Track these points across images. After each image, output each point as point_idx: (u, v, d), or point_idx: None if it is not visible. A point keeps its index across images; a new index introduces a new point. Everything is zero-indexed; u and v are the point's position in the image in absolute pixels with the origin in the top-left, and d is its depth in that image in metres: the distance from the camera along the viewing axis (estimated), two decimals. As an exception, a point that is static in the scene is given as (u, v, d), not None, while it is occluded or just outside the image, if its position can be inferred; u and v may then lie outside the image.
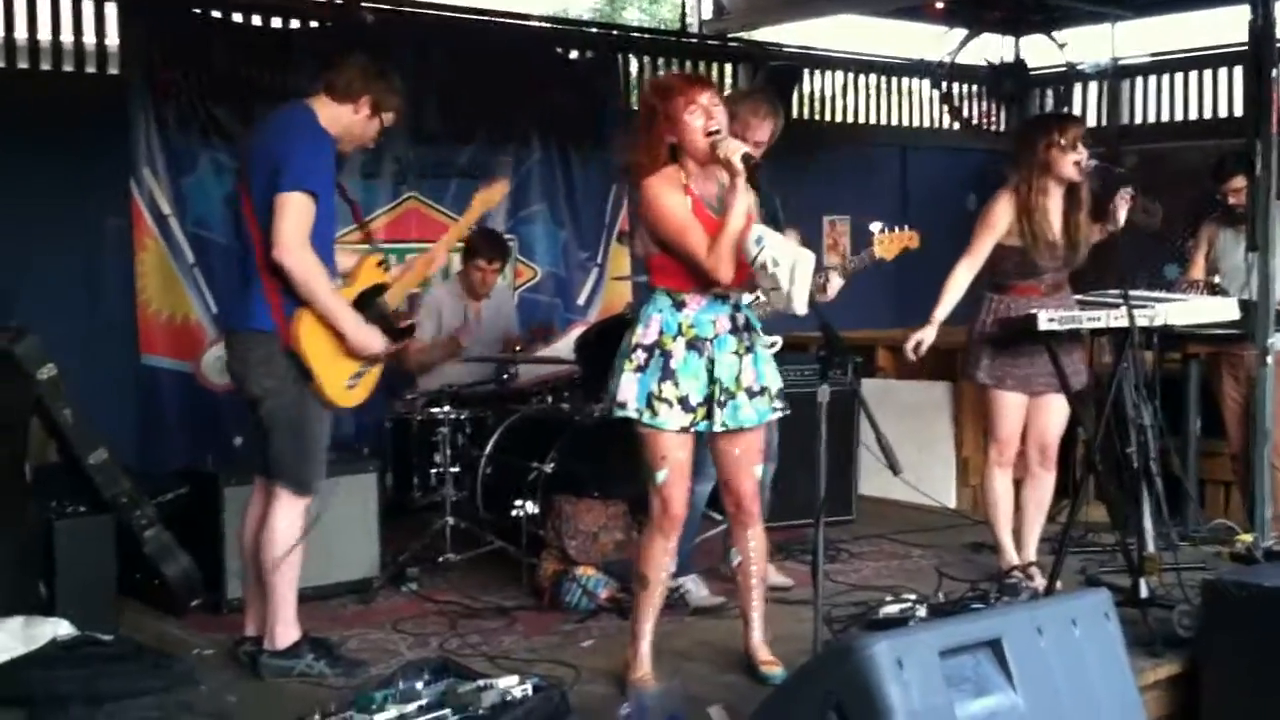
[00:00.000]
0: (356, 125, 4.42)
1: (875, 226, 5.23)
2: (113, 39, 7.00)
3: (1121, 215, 5.15)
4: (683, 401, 4.07)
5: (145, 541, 5.05)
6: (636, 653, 4.26)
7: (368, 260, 4.53)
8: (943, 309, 5.35)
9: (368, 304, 4.42)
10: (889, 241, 5.22)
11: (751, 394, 4.17)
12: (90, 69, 7.04)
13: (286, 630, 4.39)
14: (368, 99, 4.38)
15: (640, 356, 4.11)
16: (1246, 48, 5.80)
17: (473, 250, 6.93)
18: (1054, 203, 5.22)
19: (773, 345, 4.27)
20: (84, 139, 6.77)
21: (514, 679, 3.86)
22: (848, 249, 9.98)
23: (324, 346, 4.25)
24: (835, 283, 5.26)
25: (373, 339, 4.35)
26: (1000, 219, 5.25)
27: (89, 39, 6.99)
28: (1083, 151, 5.11)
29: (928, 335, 5.33)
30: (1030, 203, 5.17)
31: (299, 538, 4.36)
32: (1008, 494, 5.44)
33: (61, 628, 4.36)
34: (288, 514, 4.34)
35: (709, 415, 4.11)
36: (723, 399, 4.11)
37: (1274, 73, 5.69)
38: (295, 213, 4.15)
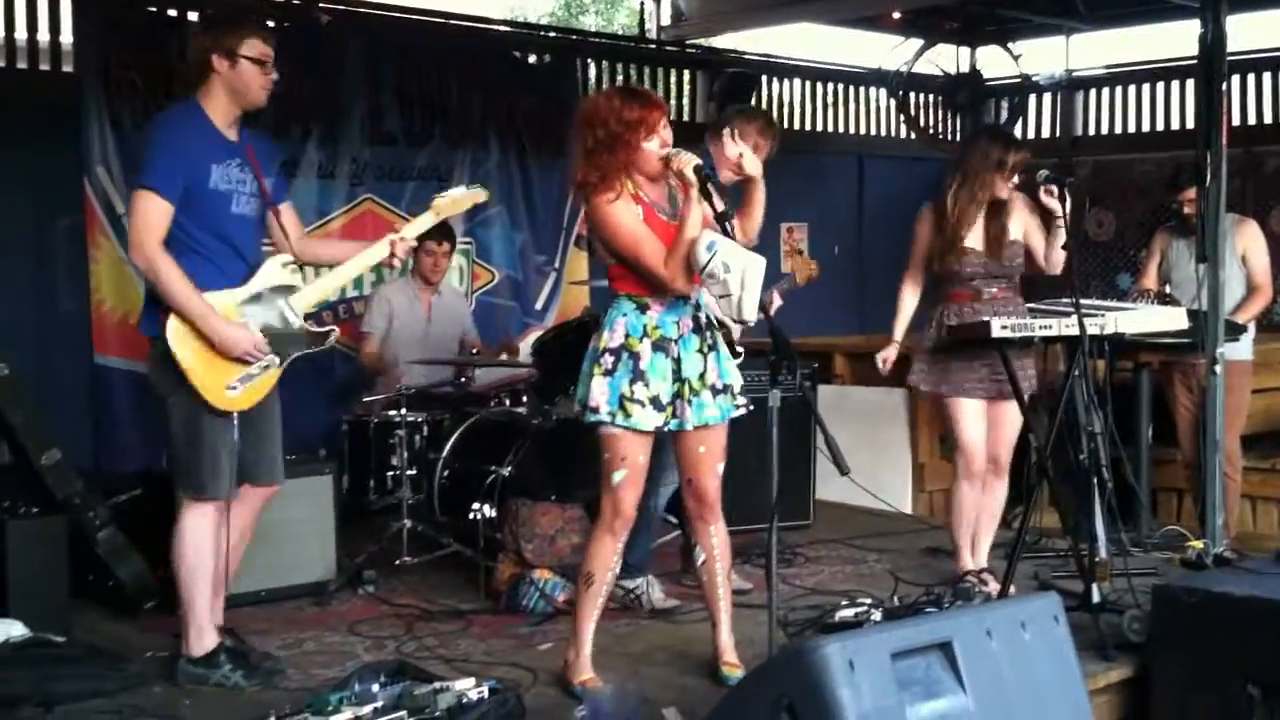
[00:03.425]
0: (232, 82, 4.27)
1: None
2: (67, 36, 6.95)
3: (1049, 202, 5.12)
4: (654, 401, 4.12)
5: (98, 543, 5.02)
6: (579, 654, 4.27)
7: (272, 262, 4.41)
8: (900, 325, 5.55)
9: (265, 306, 4.32)
10: (803, 266, 5.89)
11: (715, 391, 4.23)
12: (44, 66, 6.99)
13: (201, 637, 4.33)
14: (216, 56, 4.25)
15: (608, 360, 4.14)
16: (1197, 61, 5.86)
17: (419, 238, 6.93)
18: (980, 212, 5.30)
19: (738, 357, 4.33)
20: (37, 136, 6.71)
21: (470, 682, 3.86)
22: (806, 254, 10.05)
23: (197, 349, 4.17)
24: (776, 302, 5.48)
25: (238, 338, 4.19)
26: (920, 232, 5.43)
27: (43, 36, 6.94)
28: (1013, 181, 5.23)
29: (891, 352, 5.54)
30: (954, 209, 5.27)
31: (209, 544, 4.29)
32: (974, 507, 5.43)
33: (14, 629, 4.32)
34: (191, 520, 4.28)
35: (676, 414, 4.16)
36: (689, 397, 4.16)
37: (1224, 86, 5.78)
38: (142, 210, 4.12)
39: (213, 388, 4.19)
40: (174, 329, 4.14)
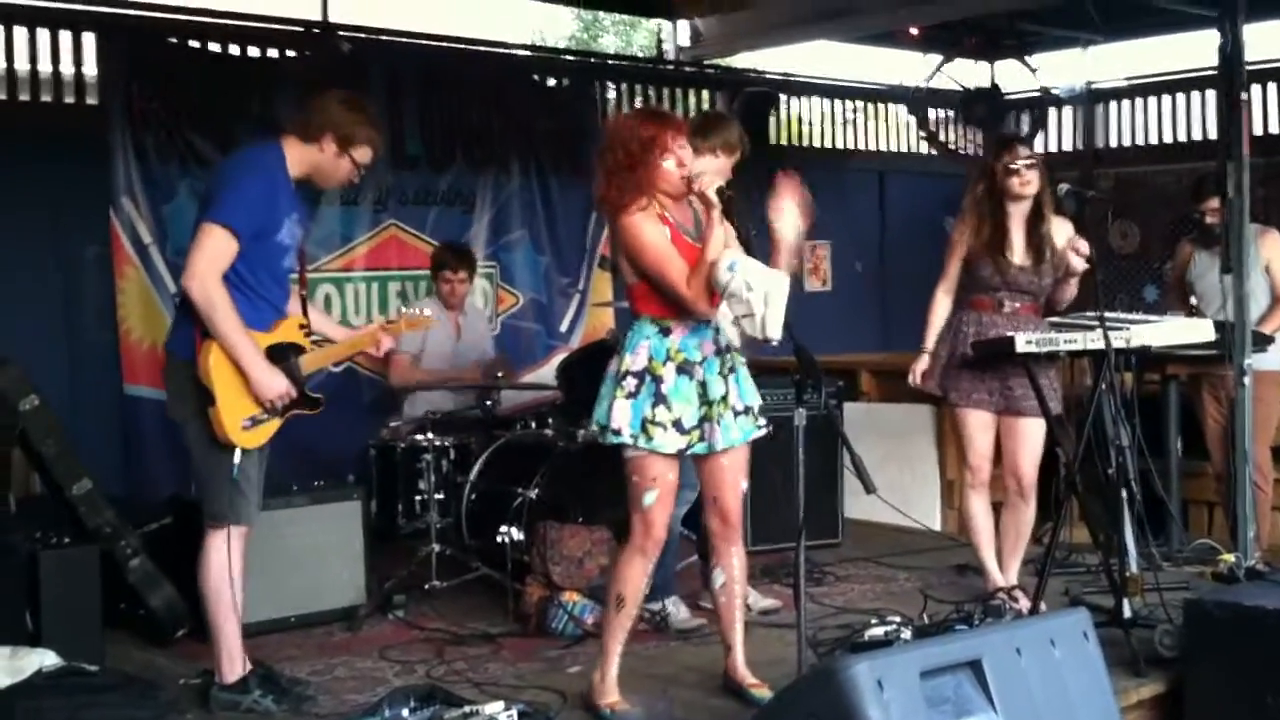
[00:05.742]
0: (325, 164, 4.37)
1: None
2: (91, 68, 7.00)
3: (1076, 264, 5.21)
4: (677, 424, 4.12)
5: (130, 571, 5.05)
6: (605, 676, 4.27)
7: (289, 321, 4.45)
8: (931, 336, 5.50)
9: (279, 358, 4.34)
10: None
11: (736, 413, 4.24)
12: (69, 99, 7.03)
13: (232, 664, 4.36)
14: (331, 136, 4.32)
15: (631, 383, 4.14)
16: (1217, 71, 5.85)
17: (439, 263, 6.98)
18: (1016, 222, 5.34)
19: None
20: (63, 168, 6.76)
21: (500, 705, 3.88)
22: (829, 273, 10.06)
23: (230, 381, 4.20)
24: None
25: (275, 382, 4.25)
26: (958, 236, 5.45)
27: (67, 69, 6.99)
28: (1028, 174, 5.26)
29: (923, 364, 5.50)
30: (983, 215, 5.34)
31: (233, 571, 4.31)
32: (987, 516, 5.48)
33: (47, 658, 4.34)
34: (215, 546, 4.30)
35: (703, 437, 4.17)
36: (716, 419, 4.17)
37: (1244, 95, 5.76)
38: (210, 244, 4.14)
39: (230, 420, 4.22)
40: (216, 355, 4.17)
